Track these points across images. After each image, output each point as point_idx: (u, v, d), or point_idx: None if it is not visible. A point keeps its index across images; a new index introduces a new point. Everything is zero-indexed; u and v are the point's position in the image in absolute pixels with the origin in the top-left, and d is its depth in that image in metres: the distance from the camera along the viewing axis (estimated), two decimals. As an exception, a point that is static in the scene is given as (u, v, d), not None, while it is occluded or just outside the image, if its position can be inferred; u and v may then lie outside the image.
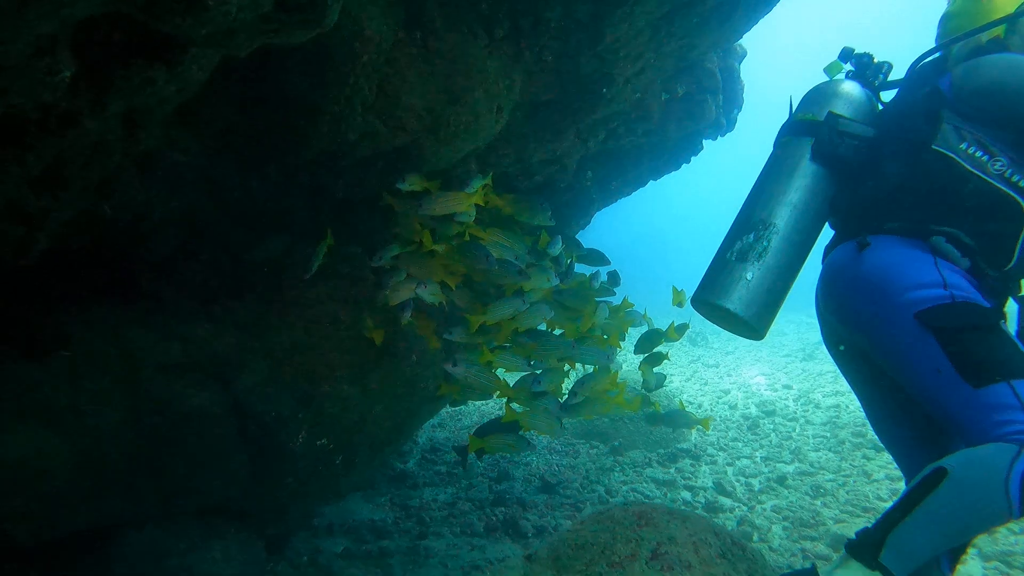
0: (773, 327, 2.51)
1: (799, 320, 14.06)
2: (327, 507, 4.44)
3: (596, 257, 4.29)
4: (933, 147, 2.14)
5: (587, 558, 1.91)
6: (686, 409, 5.31)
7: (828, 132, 2.47)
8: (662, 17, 3.47)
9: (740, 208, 2.64)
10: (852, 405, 7.09)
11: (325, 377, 3.17)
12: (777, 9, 4.10)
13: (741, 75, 5.00)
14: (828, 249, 2.49)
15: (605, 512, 2.11)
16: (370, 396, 3.45)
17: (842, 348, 2.52)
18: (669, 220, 39.58)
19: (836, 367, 2.71)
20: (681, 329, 4.79)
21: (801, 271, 2.50)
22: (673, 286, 4.76)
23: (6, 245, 2.14)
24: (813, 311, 2.63)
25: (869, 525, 1.88)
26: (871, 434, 5.92)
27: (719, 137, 5.23)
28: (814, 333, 12.54)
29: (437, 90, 3.17)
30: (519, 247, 3.36)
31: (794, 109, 2.72)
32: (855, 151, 2.42)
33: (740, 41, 4.87)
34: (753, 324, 2.35)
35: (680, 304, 4.88)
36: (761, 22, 4.18)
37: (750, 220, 2.49)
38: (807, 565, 2.70)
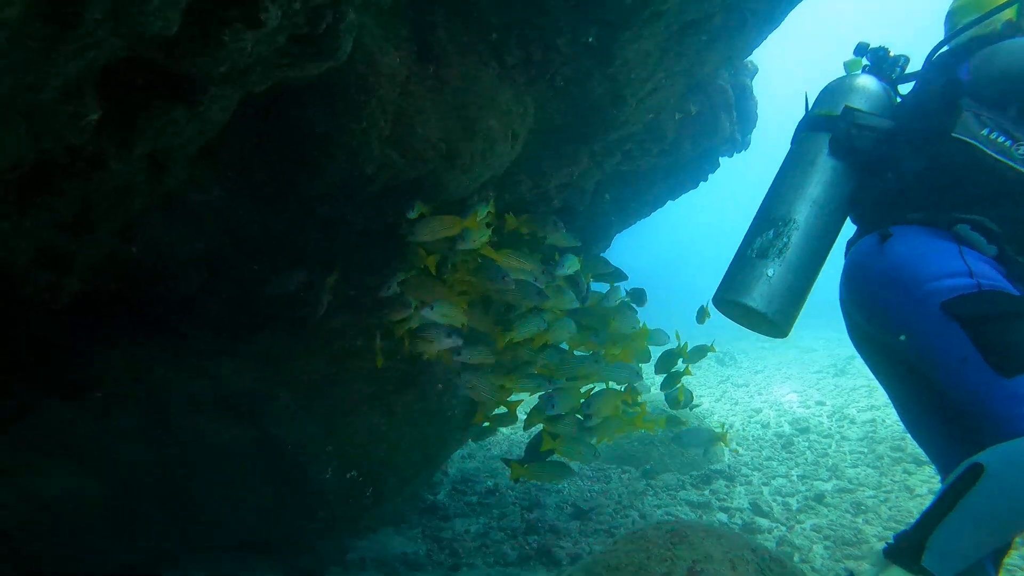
0: (802, 342, 2.50)
1: (828, 336, 13.82)
2: (359, 540, 4.42)
3: (613, 274, 4.30)
4: (953, 135, 2.11)
5: (621, 579, 1.87)
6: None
7: (845, 126, 2.46)
8: (670, 37, 3.50)
9: (759, 206, 2.63)
10: (889, 419, 6.92)
11: (351, 408, 3.18)
12: (787, 24, 4.13)
13: (754, 92, 5.00)
14: (850, 244, 2.46)
15: (638, 532, 2.08)
16: (397, 426, 3.45)
17: (868, 344, 2.47)
18: (689, 241, 39.15)
19: (870, 381, 2.66)
20: (699, 352, 4.73)
21: (823, 269, 2.47)
22: (704, 305, 4.73)
23: (37, 289, 2.19)
24: (842, 326, 2.60)
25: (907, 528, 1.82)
26: (911, 447, 5.77)
27: (735, 154, 5.23)
28: (845, 348, 12.31)
29: (452, 120, 3.22)
30: (532, 267, 3.36)
31: (810, 106, 2.73)
32: (873, 143, 2.41)
33: (751, 58, 4.89)
34: (776, 321, 2.32)
35: (702, 322, 4.84)
36: (772, 39, 4.21)
37: (769, 217, 2.48)
38: (842, 572, 2.62)
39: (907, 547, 1.73)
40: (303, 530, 3.34)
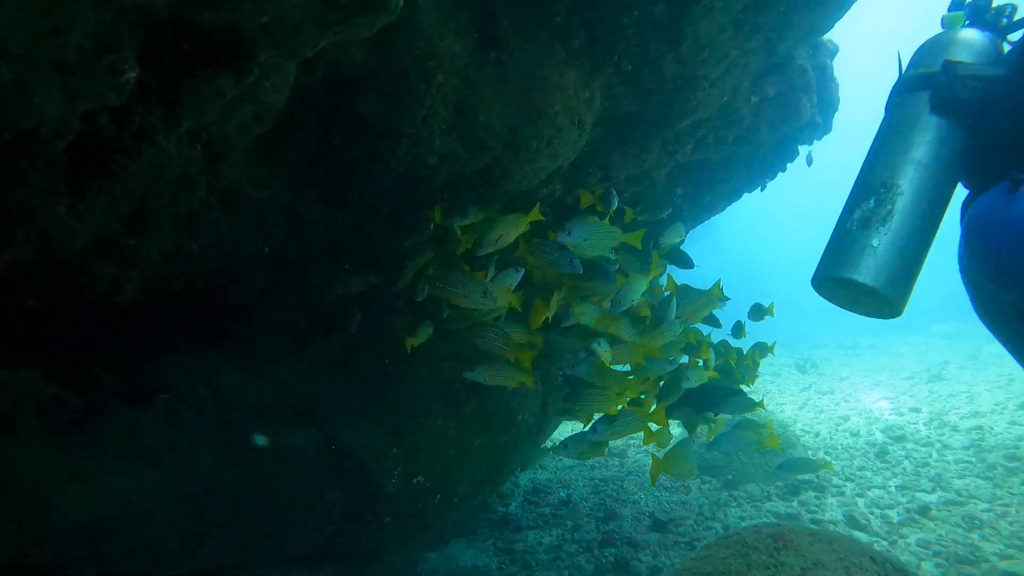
0: (890, 348, 2.23)
1: (916, 341, 12.97)
2: (430, 553, 4.29)
3: (681, 258, 4.03)
4: None
5: (719, 590, 1.65)
6: (800, 439, 4.90)
7: (947, 79, 2.19)
8: (744, 9, 3.27)
9: (856, 177, 2.37)
10: (998, 426, 6.34)
11: (417, 409, 3.05)
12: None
13: (835, 73, 4.68)
14: (965, 205, 2.17)
15: (734, 536, 1.85)
16: (466, 430, 3.30)
17: (1000, 315, 2.15)
18: (762, 243, 36.91)
19: (970, 387, 2.34)
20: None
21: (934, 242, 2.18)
22: (759, 304, 4.38)
23: (99, 284, 2.15)
24: (931, 331, 2.30)
25: None
26: (1027, 456, 5.24)
27: (815, 141, 4.90)
28: (937, 352, 11.52)
29: (515, 107, 3.08)
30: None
31: (904, 69, 2.46)
32: (982, 92, 2.13)
33: (831, 36, 4.58)
34: (886, 294, 2.04)
35: (758, 319, 4.50)
36: (853, 16, 3.91)
37: (869, 185, 2.22)
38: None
39: None
40: (372, 539, 3.22)
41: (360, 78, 2.66)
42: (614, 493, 5.36)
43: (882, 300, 2.08)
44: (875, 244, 2.06)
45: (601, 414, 3.04)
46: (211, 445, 2.83)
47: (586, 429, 2.93)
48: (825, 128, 4.72)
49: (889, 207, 2.10)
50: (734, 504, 5.03)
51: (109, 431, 2.76)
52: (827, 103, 4.62)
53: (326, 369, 3.04)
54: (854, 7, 3.84)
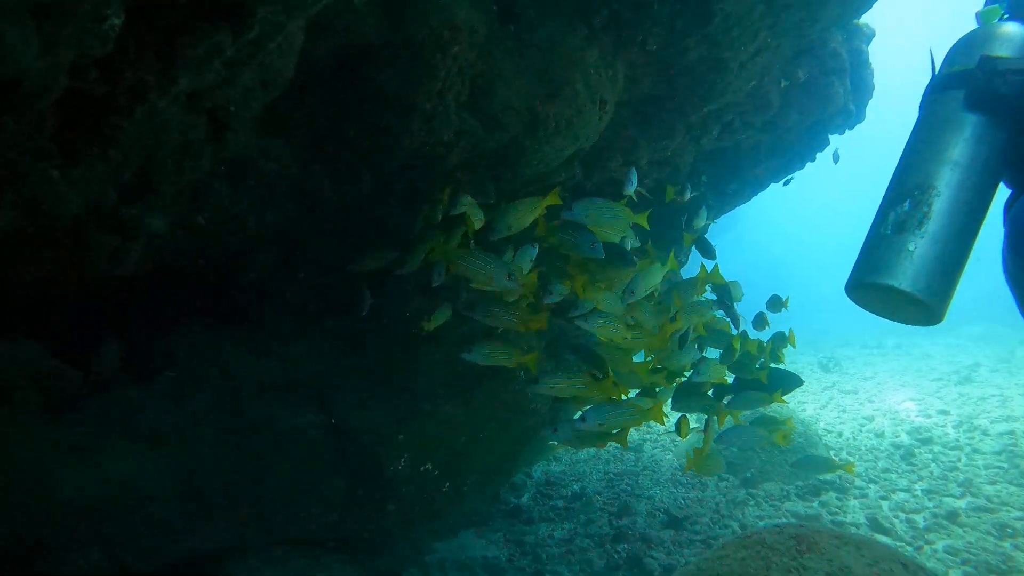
0: (916, 349, 2.11)
1: (947, 342, 12.64)
2: (438, 543, 4.21)
3: (704, 247, 3.90)
4: None
5: (737, 592, 1.54)
6: (822, 439, 4.74)
7: (984, 75, 2.05)
8: (778, -14, 3.13)
9: (889, 181, 2.24)
10: (1030, 431, 6.12)
11: (426, 395, 2.97)
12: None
13: (870, 59, 4.50)
14: (1008, 206, 2.03)
15: (753, 536, 1.73)
16: (476, 418, 3.21)
17: None
18: (787, 237, 35.59)
19: (1002, 390, 2.20)
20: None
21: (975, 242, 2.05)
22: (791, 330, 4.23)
23: (98, 256, 2.08)
24: (961, 332, 2.16)
25: None
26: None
27: (847, 130, 4.72)
28: (966, 355, 11.21)
29: (535, 84, 2.97)
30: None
31: (937, 67, 2.33)
32: (1022, 87, 1.99)
33: (867, 19, 4.40)
34: (926, 300, 1.92)
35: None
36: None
37: (903, 187, 2.09)
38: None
39: None
40: (378, 527, 3.14)
41: (373, 48, 2.56)
42: (628, 488, 5.24)
43: (921, 307, 1.95)
44: (911, 248, 1.93)
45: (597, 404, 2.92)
46: (215, 425, 2.77)
47: (576, 416, 2.81)
48: (858, 116, 4.54)
49: (925, 209, 1.98)
50: (752, 503, 4.89)
51: (113, 409, 2.71)
52: (861, 90, 4.44)
53: (334, 351, 2.96)
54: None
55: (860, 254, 2.15)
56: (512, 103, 2.92)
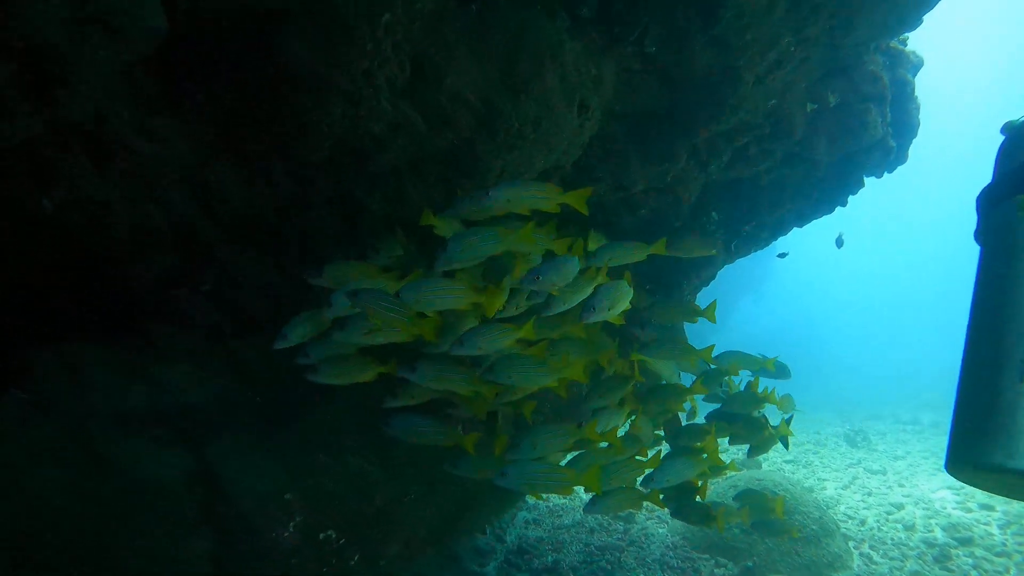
0: None
1: (989, 425, 11.58)
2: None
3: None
4: None
5: None
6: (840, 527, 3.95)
7: None
8: (804, -20, 2.57)
9: (984, 308, 1.68)
10: (1091, 540, 5.24)
11: (328, 445, 2.38)
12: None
13: (916, 91, 3.89)
14: None
15: None
16: (398, 475, 2.61)
17: None
18: (824, 301, 33.54)
19: None
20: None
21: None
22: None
23: None
24: None
25: None
26: None
27: (886, 173, 4.09)
28: (1012, 441, 10.18)
29: (495, 75, 2.45)
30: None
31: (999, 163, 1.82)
32: None
33: (914, 48, 3.81)
34: None
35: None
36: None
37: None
38: None
39: None
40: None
41: (282, 12, 2.07)
42: (608, 566, 4.54)
43: None
44: None
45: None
46: (55, 461, 2.21)
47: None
48: (900, 156, 3.91)
49: None
50: (751, 599, 4.15)
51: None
52: (905, 126, 3.83)
53: (223, 379, 2.41)
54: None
55: (965, 415, 1.55)
56: (464, 94, 2.39)
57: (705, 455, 2.81)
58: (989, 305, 1.66)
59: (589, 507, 2.56)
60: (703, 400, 3.37)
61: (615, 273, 2.64)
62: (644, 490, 2.66)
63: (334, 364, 2.13)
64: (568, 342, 2.49)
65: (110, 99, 1.92)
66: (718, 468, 3.25)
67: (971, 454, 1.44)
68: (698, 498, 2.90)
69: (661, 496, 2.82)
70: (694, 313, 3.05)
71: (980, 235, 1.87)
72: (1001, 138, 1.99)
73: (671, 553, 4.83)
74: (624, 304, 2.31)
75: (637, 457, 2.83)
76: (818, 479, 7.44)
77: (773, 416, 3.57)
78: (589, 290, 2.37)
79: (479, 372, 2.16)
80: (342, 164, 2.44)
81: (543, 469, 2.15)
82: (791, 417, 3.49)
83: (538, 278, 2.11)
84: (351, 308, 2.08)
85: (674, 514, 2.94)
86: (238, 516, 2.25)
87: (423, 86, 2.34)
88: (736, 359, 3.21)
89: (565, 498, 6.28)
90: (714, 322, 3.06)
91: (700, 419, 3.37)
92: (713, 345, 3.10)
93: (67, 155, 1.97)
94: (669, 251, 2.87)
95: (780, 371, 3.86)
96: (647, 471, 2.67)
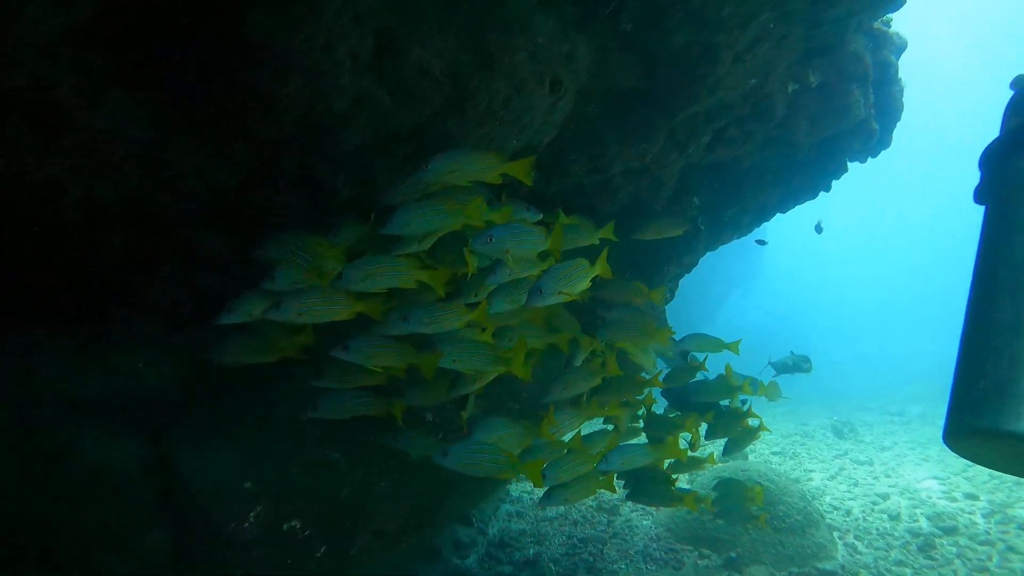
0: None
1: (976, 416, 11.59)
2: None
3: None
4: None
5: None
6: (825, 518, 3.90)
7: None
8: (782, -49, 2.50)
9: (979, 275, 1.60)
10: (1076, 529, 5.22)
11: (291, 434, 2.30)
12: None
13: (899, 74, 3.83)
14: None
15: None
16: (366, 466, 2.53)
17: None
18: (814, 294, 32.05)
19: None
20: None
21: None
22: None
23: None
24: None
25: None
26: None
27: (870, 157, 4.03)
28: (999, 432, 10.19)
29: (463, 50, 2.37)
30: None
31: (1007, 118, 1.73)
32: None
33: (897, 28, 3.75)
34: None
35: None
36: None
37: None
38: None
39: None
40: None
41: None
42: (591, 559, 4.49)
43: None
44: None
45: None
46: (7, 446, 2.12)
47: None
48: (883, 140, 3.86)
49: None
50: (734, 590, 4.11)
51: None
52: (888, 109, 3.77)
53: (182, 366, 2.32)
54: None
55: (963, 383, 1.47)
56: (431, 70, 2.31)
57: (663, 443, 2.76)
58: (999, 261, 1.56)
59: (544, 500, 2.49)
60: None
61: (588, 256, 2.55)
62: (599, 476, 2.59)
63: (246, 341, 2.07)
64: (526, 327, 2.42)
65: (54, 65, 1.82)
66: (697, 460, 3.21)
67: (974, 420, 1.37)
68: (668, 485, 2.85)
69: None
70: (640, 294, 2.95)
71: (984, 193, 1.77)
72: (1010, 93, 1.89)
73: (654, 545, 4.78)
74: (582, 284, 2.23)
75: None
76: (804, 470, 7.41)
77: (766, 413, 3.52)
78: (538, 269, 2.30)
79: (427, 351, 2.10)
80: (305, 142, 2.35)
81: (486, 450, 2.08)
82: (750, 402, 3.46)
83: (491, 239, 2.02)
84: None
85: (629, 496, 2.88)
86: (195, 506, 2.17)
87: (388, 61, 2.25)
88: (699, 341, 3.16)
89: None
90: (660, 304, 3.01)
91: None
92: (670, 327, 3.05)
93: (18, 131, 1.88)
94: (637, 236, 2.80)
95: (799, 363, 3.83)
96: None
